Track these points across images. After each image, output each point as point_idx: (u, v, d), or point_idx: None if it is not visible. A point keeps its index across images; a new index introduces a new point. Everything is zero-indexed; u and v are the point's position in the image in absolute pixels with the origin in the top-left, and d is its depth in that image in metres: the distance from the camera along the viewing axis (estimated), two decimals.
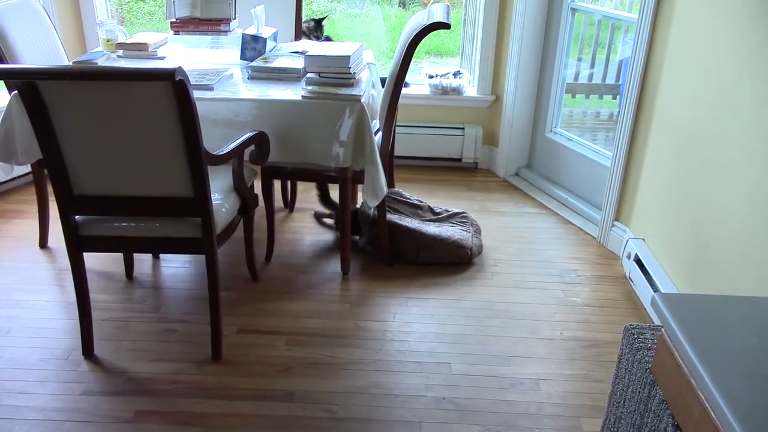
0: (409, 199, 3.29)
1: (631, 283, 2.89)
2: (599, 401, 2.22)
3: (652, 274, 2.69)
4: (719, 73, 2.32)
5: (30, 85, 1.94)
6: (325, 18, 3.85)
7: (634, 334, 1.55)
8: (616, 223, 3.16)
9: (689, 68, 2.54)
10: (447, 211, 3.27)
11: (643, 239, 2.90)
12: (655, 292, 2.63)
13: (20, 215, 3.36)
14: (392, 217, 3.05)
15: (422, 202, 3.30)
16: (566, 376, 2.35)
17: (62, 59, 3.14)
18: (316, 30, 3.80)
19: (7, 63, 2.77)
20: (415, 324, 2.61)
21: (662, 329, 1.32)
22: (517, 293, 2.83)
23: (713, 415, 1.09)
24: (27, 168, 3.12)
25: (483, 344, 2.50)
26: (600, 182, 3.34)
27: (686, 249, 2.53)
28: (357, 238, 3.12)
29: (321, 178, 2.81)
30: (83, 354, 2.37)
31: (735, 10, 2.23)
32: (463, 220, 3.21)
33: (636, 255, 2.84)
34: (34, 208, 3.07)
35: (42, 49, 3.03)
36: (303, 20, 3.58)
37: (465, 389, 2.27)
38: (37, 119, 2.00)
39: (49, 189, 2.58)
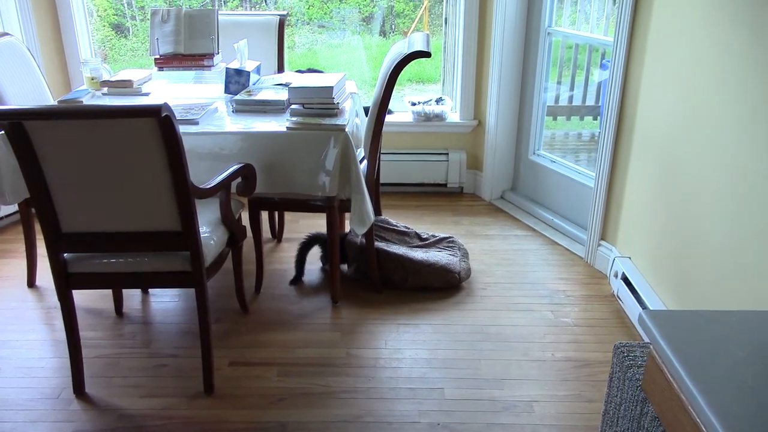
0: (396, 226, 3.31)
1: (620, 302, 2.91)
2: (593, 421, 2.23)
3: (639, 292, 2.71)
4: (695, 91, 2.38)
5: (16, 125, 1.95)
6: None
7: (624, 352, 1.57)
8: (602, 242, 3.19)
9: (666, 88, 2.60)
10: (434, 236, 3.29)
11: (630, 257, 2.93)
12: (642, 308, 2.65)
13: (7, 255, 3.34)
14: (379, 244, 3.07)
15: (409, 228, 3.33)
16: (559, 397, 2.36)
17: (47, 98, 3.16)
18: None
19: None
20: (407, 350, 2.61)
21: (651, 346, 1.34)
22: (507, 316, 2.84)
23: (704, 430, 1.10)
24: (14, 207, 3.12)
25: (475, 368, 2.51)
26: (585, 202, 3.37)
27: (672, 265, 2.56)
28: (344, 266, 3.13)
29: (308, 208, 2.82)
30: (74, 392, 2.35)
31: (707, 29, 2.29)
32: (450, 244, 3.23)
33: (623, 273, 2.87)
34: (22, 248, 3.05)
35: (27, 88, 3.04)
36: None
37: (459, 414, 2.27)
38: (23, 158, 2.01)
39: (37, 228, 2.57)
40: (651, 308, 2.61)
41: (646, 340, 1.50)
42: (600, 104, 4.62)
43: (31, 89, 3.07)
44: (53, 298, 2.48)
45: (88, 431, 2.19)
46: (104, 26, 6.02)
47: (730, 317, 1.38)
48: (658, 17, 2.64)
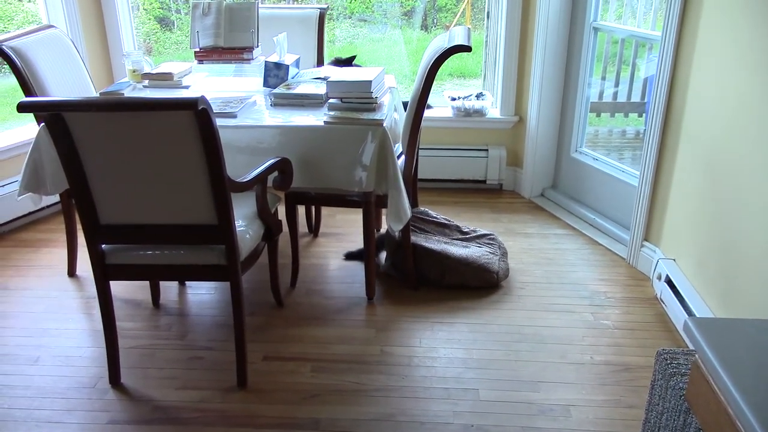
0: (436, 218, 3.26)
1: (663, 305, 2.83)
2: (632, 428, 2.16)
3: (684, 295, 2.63)
4: (746, 90, 2.28)
5: (57, 117, 1.97)
6: (353, 57, 3.70)
7: (667, 359, 1.51)
8: (645, 243, 3.10)
9: (715, 86, 2.50)
10: (475, 231, 3.24)
11: (674, 259, 2.84)
12: (687, 313, 2.57)
13: (49, 244, 3.40)
14: (418, 238, 3.03)
15: (450, 221, 3.28)
16: (598, 402, 2.29)
17: (90, 90, 3.20)
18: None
19: (36, 95, 2.83)
20: (442, 349, 2.57)
21: (696, 355, 1.28)
22: (545, 316, 2.78)
23: None
24: (56, 198, 3.16)
25: (511, 369, 2.46)
26: (628, 202, 3.29)
27: (718, 269, 2.47)
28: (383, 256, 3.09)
29: (344, 203, 2.81)
30: (110, 382, 2.37)
31: (760, 25, 2.20)
32: (491, 241, 3.17)
33: (667, 276, 2.78)
34: (63, 238, 3.10)
35: (70, 80, 3.08)
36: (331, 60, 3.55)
37: (493, 416, 2.23)
38: (64, 150, 2.03)
39: (78, 218, 2.60)
40: (696, 313, 2.52)
41: (691, 346, 1.44)
42: (646, 101, 4.50)
43: (74, 81, 3.11)
44: (92, 288, 2.50)
45: (123, 421, 2.20)
46: (149, 19, 6.09)
47: None
48: (709, 11, 2.54)
